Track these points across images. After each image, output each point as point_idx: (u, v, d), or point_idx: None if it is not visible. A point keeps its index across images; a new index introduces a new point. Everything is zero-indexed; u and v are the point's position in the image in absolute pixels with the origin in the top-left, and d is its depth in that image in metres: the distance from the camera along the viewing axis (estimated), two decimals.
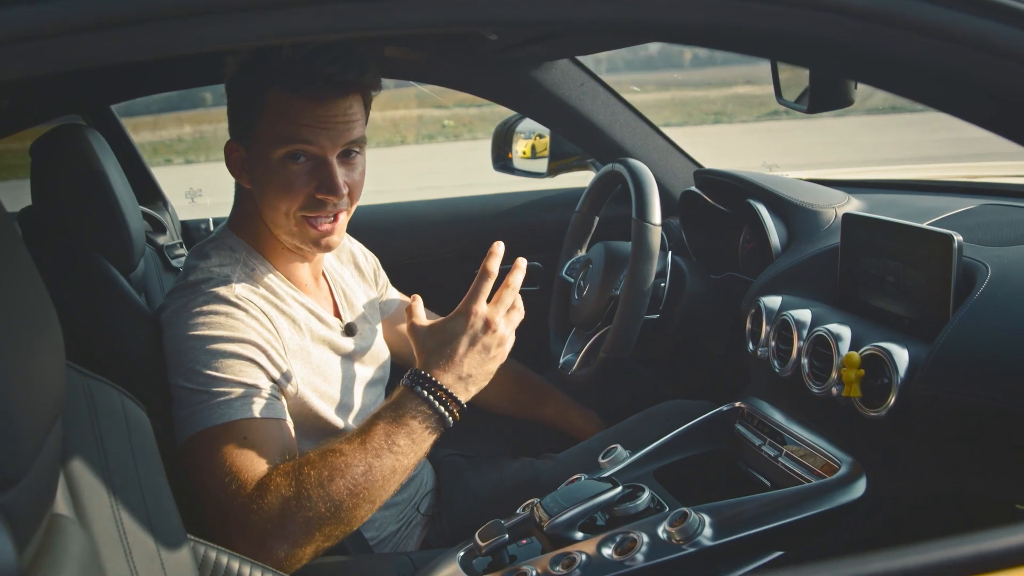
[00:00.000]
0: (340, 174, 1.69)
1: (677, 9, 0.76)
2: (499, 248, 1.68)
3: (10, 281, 0.91)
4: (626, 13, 0.72)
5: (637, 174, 2.07)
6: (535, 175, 2.83)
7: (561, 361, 2.29)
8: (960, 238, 1.50)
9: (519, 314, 1.70)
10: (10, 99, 1.98)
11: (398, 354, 2.12)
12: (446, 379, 1.60)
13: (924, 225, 1.59)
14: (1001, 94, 0.89)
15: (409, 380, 1.59)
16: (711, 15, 0.74)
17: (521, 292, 2.89)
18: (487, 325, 1.63)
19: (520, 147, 2.90)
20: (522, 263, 1.71)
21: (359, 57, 1.69)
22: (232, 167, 1.77)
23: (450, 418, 1.60)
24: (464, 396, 1.62)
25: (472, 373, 1.63)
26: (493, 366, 1.66)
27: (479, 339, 1.62)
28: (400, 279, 2.26)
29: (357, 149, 1.73)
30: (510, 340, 1.67)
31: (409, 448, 1.56)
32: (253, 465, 1.53)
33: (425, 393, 1.57)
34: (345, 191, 1.70)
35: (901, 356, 1.47)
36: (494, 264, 1.67)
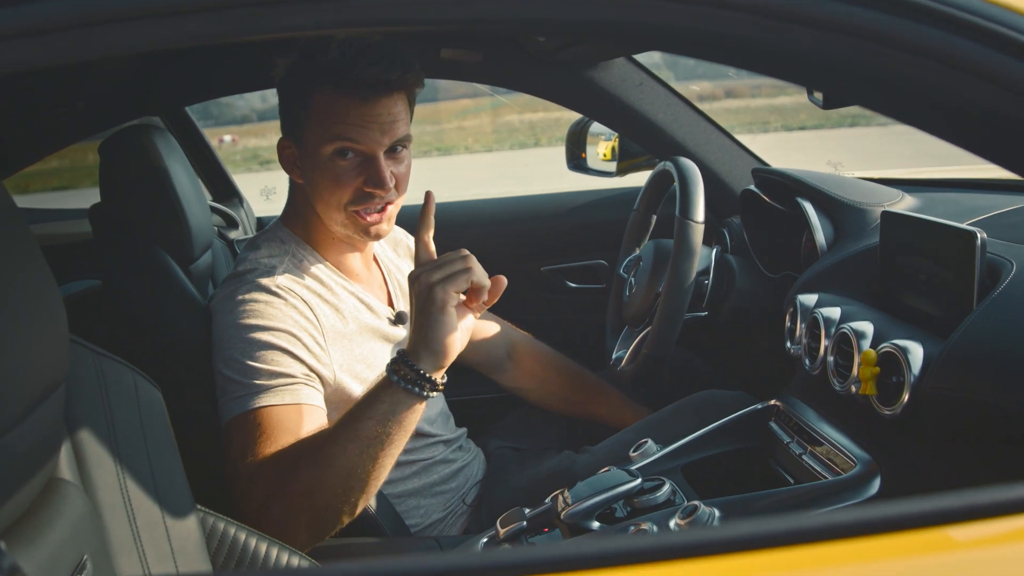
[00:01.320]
0: (387, 167, 1.76)
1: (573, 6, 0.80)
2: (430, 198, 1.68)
3: (6, 257, 1.01)
4: (513, 12, 0.76)
5: (684, 171, 2.08)
6: (606, 174, 2.85)
7: (613, 357, 2.31)
8: (983, 235, 1.46)
9: (462, 265, 1.58)
10: (85, 101, 2.12)
11: None
12: (409, 346, 1.60)
13: (950, 222, 1.56)
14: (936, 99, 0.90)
15: None
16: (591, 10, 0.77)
17: (586, 290, 2.94)
18: (417, 284, 1.59)
19: (601, 149, 2.92)
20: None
21: (402, 57, 1.75)
22: (284, 163, 1.86)
23: (395, 377, 1.56)
24: (414, 359, 1.56)
25: (416, 334, 1.58)
26: (434, 326, 1.56)
27: (416, 298, 1.59)
28: None
29: (403, 145, 1.79)
30: (447, 299, 1.56)
31: (365, 411, 1.57)
32: (264, 449, 1.61)
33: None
34: (392, 183, 1.77)
35: (916, 354, 1.45)
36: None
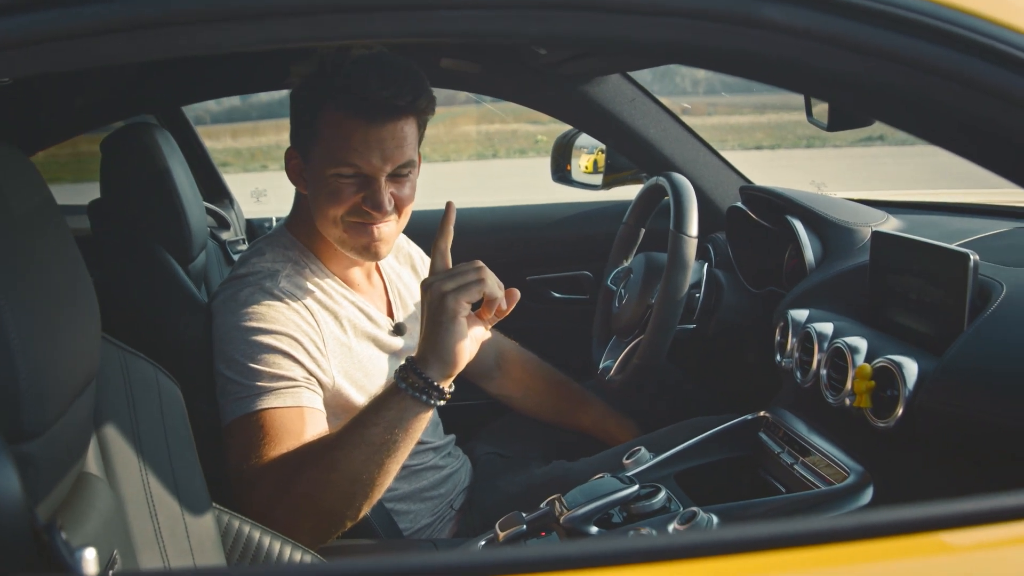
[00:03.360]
0: (388, 190, 1.76)
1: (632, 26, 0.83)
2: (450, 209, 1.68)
3: (49, 258, 1.02)
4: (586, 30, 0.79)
5: (678, 187, 2.12)
6: (592, 187, 2.89)
7: (600, 367, 2.35)
8: (976, 257, 1.52)
9: (475, 276, 1.60)
10: (84, 97, 2.12)
11: None
12: (418, 353, 1.61)
13: (943, 244, 1.62)
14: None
15: None
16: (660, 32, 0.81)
17: (571, 300, 2.98)
18: (429, 292, 1.60)
19: (583, 162, 2.96)
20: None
21: (414, 81, 1.75)
22: (290, 173, 1.87)
23: (403, 384, 1.57)
24: (423, 367, 1.58)
25: (426, 342, 1.60)
26: (444, 335, 1.58)
27: (428, 307, 1.60)
28: None
29: (407, 170, 1.79)
30: (458, 308, 1.58)
31: (372, 417, 1.59)
32: (267, 452, 1.63)
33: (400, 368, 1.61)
34: (391, 206, 1.77)
35: (910, 369, 1.50)
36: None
